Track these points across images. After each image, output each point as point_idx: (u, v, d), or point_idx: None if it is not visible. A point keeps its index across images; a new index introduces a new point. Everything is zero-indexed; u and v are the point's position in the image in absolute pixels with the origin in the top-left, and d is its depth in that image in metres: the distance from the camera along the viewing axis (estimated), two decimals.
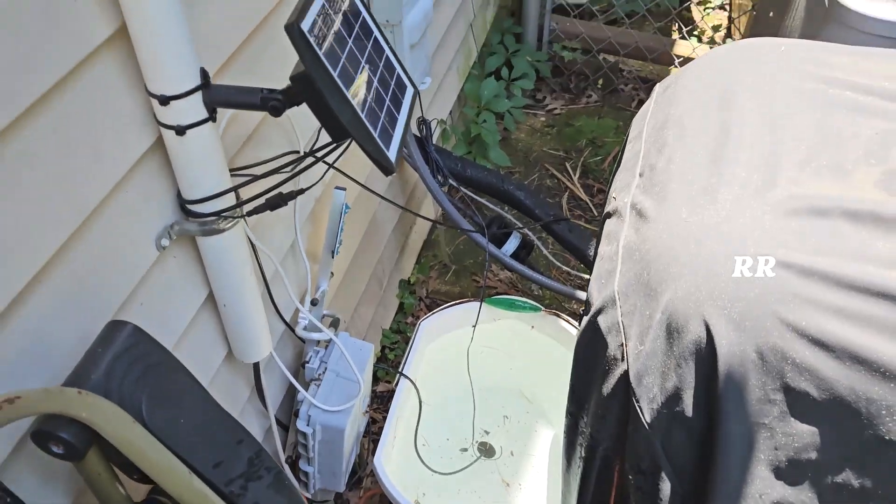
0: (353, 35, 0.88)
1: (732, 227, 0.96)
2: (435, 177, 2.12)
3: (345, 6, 0.87)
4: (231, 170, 1.13)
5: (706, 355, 0.93)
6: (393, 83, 0.95)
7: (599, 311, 1.09)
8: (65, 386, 0.81)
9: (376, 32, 0.95)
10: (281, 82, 1.31)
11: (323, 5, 0.81)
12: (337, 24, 0.84)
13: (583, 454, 1.19)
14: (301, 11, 0.77)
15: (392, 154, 0.87)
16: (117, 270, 0.97)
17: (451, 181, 2.17)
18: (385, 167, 0.86)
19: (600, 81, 3.24)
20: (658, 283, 0.99)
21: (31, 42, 0.76)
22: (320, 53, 0.78)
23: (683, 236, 0.99)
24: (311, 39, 0.76)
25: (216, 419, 0.94)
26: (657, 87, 1.37)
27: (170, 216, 1.05)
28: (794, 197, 0.97)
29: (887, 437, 0.87)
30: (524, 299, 1.92)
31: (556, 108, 3.16)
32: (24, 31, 0.75)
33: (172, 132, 0.93)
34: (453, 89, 2.64)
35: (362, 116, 0.83)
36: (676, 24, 3.36)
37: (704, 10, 3.67)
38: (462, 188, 2.19)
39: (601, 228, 1.25)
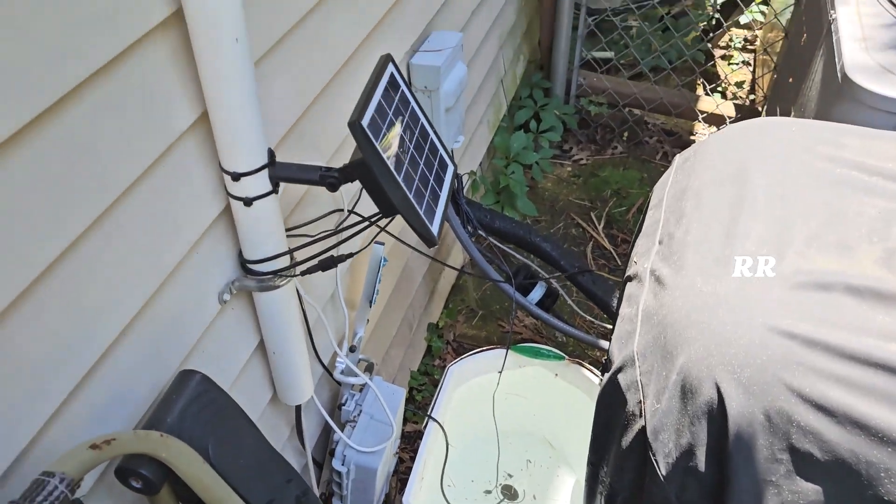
0: (404, 124, 0.99)
1: (742, 298, 1.05)
2: (465, 227, 2.23)
3: (397, 98, 0.99)
4: (286, 229, 1.25)
5: (718, 415, 1.02)
6: (436, 164, 1.06)
7: (620, 370, 1.18)
8: (144, 428, 0.92)
9: (422, 119, 1.07)
10: (328, 149, 1.45)
11: (380, 102, 0.92)
12: (390, 116, 0.95)
13: (602, 503, 1.27)
14: (362, 108, 0.89)
15: (435, 228, 0.98)
16: (186, 322, 1.08)
17: (480, 231, 2.27)
18: (429, 240, 0.96)
19: (625, 134, 3.35)
20: (674, 347, 1.08)
21: (132, 131, 0.88)
22: (378, 146, 0.89)
23: (698, 304, 1.08)
24: (370, 133, 0.88)
25: (269, 459, 1.04)
26: (677, 158, 1.48)
27: (231, 274, 1.17)
28: (800, 272, 1.06)
29: (886, 498, 0.94)
30: (549, 348, 2.01)
31: (582, 159, 3.27)
32: (127, 122, 0.87)
33: (241, 203, 1.04)
34: (484, 142, 2.77)
35: (410, 197, 0.94)
36: (701, 80, 3.48)
37: (729, 65, 3.78)
38: (490, 238, 2.29)
39: (622, 290, 1.35)
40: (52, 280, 0.81)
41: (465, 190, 2.49)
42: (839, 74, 1.66)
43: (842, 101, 1.64)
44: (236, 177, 1.01)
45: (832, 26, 1.88)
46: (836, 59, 1.71)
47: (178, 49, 0.94)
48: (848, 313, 1.01)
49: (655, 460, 1.09)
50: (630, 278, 1.30)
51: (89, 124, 0.82)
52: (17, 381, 0.78)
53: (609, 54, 3.52)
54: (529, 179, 3.07)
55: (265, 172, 1.03)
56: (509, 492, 2.06)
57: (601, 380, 1.91)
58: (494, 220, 2.29)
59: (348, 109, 1.48)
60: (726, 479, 1.01)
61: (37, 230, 0.78)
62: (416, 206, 0.95)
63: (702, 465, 1.04)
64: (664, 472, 1.08)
